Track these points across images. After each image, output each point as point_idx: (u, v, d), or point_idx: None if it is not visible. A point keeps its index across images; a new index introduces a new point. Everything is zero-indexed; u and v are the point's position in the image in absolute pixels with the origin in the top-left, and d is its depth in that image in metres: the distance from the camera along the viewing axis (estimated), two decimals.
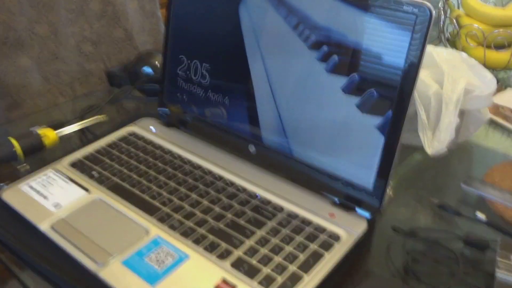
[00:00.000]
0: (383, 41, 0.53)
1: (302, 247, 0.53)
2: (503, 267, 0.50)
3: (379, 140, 0.54)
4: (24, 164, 0.70)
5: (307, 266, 0.51)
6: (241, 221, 0.56)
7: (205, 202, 0.59)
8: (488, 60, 0.96)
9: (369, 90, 0.54)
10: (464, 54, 0.72)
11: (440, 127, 0.65)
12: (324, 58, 0.57)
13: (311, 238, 0.54)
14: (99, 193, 0.61)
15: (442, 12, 1.03)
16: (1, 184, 0.63)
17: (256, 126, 0.64)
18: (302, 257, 0.52)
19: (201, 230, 0.55)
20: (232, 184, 0.62)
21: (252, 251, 0.52)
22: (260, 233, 0.55)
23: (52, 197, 0.60)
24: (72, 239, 0.54)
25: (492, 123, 0.84)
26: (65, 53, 1.03)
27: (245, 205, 0.59)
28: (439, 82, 0.67)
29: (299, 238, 0.54)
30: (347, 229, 0.55)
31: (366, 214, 0.57)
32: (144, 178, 0.63)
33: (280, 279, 0.49)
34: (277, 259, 0.51)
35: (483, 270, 0.54)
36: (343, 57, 0.56)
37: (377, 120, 0.54)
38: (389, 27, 0.52)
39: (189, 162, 0.67)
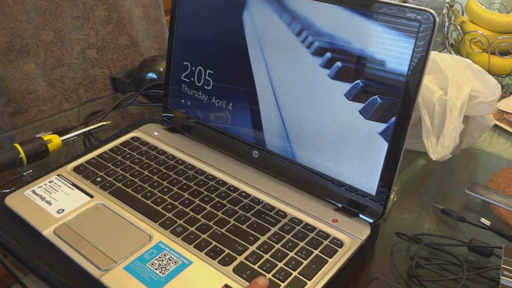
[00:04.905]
0: (387, 47, 0.53)
1: (305, 253, 0.53)
2: (508, 273, 0.50)
3: (383, 146, 0.54)
4: (30, 171, 0.71)
5: (310, 272, 0.51)
6: (244, 227, 0.56)
7: (208, 208, 0.59)
8: (492, 66, 0.96)
9: (373, 96, 0.54)
10: (468, 60, 0.71)
11: (444, 133, 0.65)
12: (327, 65, 0.57)
13: (314, 244, 0.54)
14: (102, 199, 0.61)
15: (446, 18, 1.03)
16: (6, 190, 0.63)
17: (260, 132, 0.65)
18: (305, 263, 0.52)
19: (204, 236, 0.55)
20: (235, 189, 0.62)
21: (254, 257, 0.52)
22: (263, 238, 0.55)
23: (56, 202, 0.60)
24: (75, 244, 0.54)
25: (497, 129, 0.84)
26: (70, 59, 1.04)
27: (249, 211, 0.59)
28: (443, 88, 0.67)
29: (302, 244, 0.54)
30: (351, 235, 0.55)
31: (370, 220, 0.57)
32: (148, 184, 0.63)
33: (283, 285, 0.49)
34: (280, 265, 0.51)
35: (488, 277, 0.54)
36: (347, 64, 0.56)
37: (380, 126, 0.54)
38: (393, 33, 0.52)
39: (192, 168, 0.67)
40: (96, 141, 0.77)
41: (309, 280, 0.50)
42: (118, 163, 0.68)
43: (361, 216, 0.58)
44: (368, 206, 0.57)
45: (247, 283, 0.49)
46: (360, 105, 0.55)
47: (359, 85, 0.55)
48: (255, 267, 0.51)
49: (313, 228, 0.56)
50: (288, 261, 0.52)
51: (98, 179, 0.64)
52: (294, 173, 0.62)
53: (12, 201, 0.60)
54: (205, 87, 0.70)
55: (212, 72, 0.69)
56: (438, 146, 0.65)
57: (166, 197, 0.61)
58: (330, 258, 0.52)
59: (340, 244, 0.54)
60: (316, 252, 0.53)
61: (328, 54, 0.57)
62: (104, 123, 0.80)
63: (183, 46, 0.72)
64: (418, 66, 0.51)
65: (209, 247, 0.54)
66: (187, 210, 0.59)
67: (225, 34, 0.66)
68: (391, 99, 0.53)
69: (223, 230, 0.56)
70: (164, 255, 0.53)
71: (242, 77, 0.65)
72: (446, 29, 1.03)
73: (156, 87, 0.87)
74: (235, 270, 0.51)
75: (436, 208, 0.63)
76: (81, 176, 0.65)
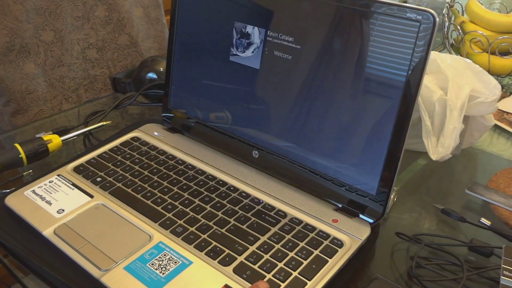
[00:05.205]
0: (387, 47, 0.53)
1: (306, 253, 0.53)
2: (508, 273, 0.50)
3: (383, 146, 0.54)
4: (30, 171, 0.71)
5: (310, 272, 0.51)
6: (244, 227, 0.56)
7: (208, 208, 0.59)
8: (492, 66, 0.96)
9: (373, 96, 0.54)
10: (468, 60, 0.71)
11: (444, 133, 0.65)
12: (327, 64, 0.57)
13: (315, 244, 0.54)
14: (103, 199, 0.61)
15: (447, 18, 1.03)
16: (6, 190, 0.63)
17: (260, 132, 0.65)
18: (305, 263, 0.51)
19: (204, 236, 0.55)
20: (235, 189, 0.62)
21: (255, 257, 0.52)
22: (263, 239, 0.55)
23: (56, 202, 0.60)
24: (75, 244, 0.54)
25: (497, 129, 0.84)
26: (70, 59, 1.04)
27: (249, 211, 0.59)
28: (443, 88, 0.67)
29: (302, 244, 0.54)
30: (351, 235, 0.55)
31: (370, 220, 0.57)
32: (148, 184, 0.63)
33: (283, 285, 0.49)
34: (280, 265, 0.51)
35: (488, 277, 0.54)
36: (347, 63, 0.56)
37: (381, 126, 0.54)
38: (393, 33, 0.52)
39: (192, 168, 0.67)
40: (96, 141, 0.77)
41: (309, 280, 0.50)
42: (118, 163, 0.68)
43: (361, 216, 0.58)
44: (368, 206, 0.57)
45: (247, 283, 0.49)
46: (360, 105, 0.55)
47: (359, 85, 0.55)
48: (255, 267, 0.51)
49: (313, 228, 0.56)
50: (288, 261, 0.52)
51: (98, 179, 0.64)
52: (294, 173, 0.62)
53: (12, 201, 0.60)
54: (205, 87, 0.70)
55: (212, 71, 0.69)
56: (438, 146, 0.65)
57: (166, 197, 0.61)
58: (330, 258, 0.52)
59: (340, 244, 0.54)
60: (316, 252, 0.53)
61: (329, 54, 0.57)
62: (104, 123, 0.80)
63: (183, 46, 0.72)
64: (418, 66, 0.51)
65: (209, 247, 0.54)
66: (187, 210, 0.59)
67: (225, 33, 0.66)
68: (391, 99, 0.53)
69: (223, 230, 0.56)
70: (164, 255, 0.53)
71: (242, 77, 0.65)
72: (446, 29, 1.04)
73: (156, 87, 0.87)
74: (235, 270, 0.51)
75: (436, 208, 0.63)
76: (81, 176, 0.65)
